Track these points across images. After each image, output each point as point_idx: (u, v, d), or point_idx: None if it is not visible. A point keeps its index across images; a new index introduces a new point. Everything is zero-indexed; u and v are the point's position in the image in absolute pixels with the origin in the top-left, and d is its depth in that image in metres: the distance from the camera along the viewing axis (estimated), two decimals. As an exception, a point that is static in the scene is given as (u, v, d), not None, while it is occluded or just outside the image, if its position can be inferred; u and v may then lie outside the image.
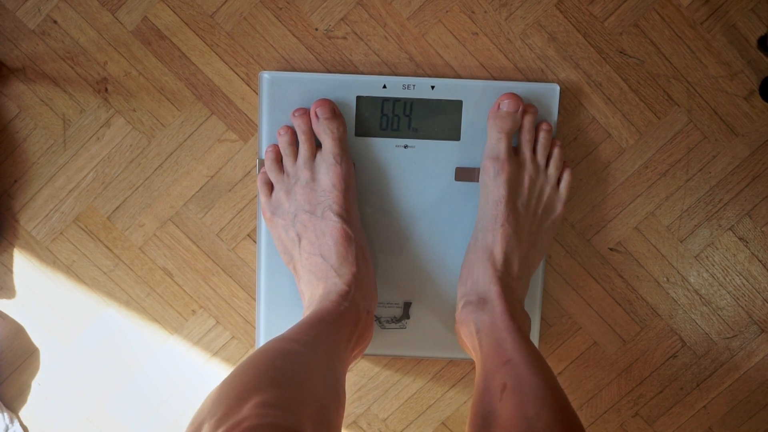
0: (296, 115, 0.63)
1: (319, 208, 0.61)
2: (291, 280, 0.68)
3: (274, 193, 0.64)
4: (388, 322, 0.69)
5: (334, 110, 0.62)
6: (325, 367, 0.51)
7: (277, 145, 0.64)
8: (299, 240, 0.62)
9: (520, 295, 0.61)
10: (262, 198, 0.64)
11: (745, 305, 0.71)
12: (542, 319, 0.70)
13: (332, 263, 0.60)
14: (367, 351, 0.69)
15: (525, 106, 0.62)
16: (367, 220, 0.67)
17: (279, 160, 0.64)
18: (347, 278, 0.59)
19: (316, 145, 0.63)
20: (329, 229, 0.60)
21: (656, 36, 0.66)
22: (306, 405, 0.45)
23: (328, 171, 0.61)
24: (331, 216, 0.60)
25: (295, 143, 0.63)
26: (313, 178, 0.62)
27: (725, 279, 0.70)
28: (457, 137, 0.66)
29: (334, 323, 0.55)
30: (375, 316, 0.68)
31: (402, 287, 0.68)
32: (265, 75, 0.65)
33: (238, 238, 0.70)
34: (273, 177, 0.64)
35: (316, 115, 0.62)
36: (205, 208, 0.69)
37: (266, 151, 0.64)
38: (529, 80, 0.67)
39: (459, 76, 0.67)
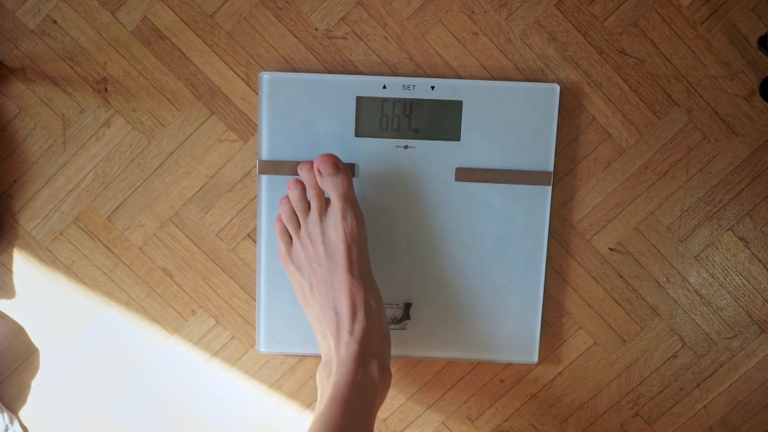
0: (303, 169, 0.64)
1: (330, 263, 0.62)
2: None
3: (293, 243, 0.65)
4: (388, 322, 0.69)
5: (336, 165, 0.62)
6: None
7: (287, 202, 0.65)
8: (312, 290, 0.63)
9: None
10: (281, 246, 0.65)
11: (746, 305, 0.71)
12: (542, 319, 0.70)
13: (343, 320, 0.61)
14: (367, 351, 0.69)
15: None
16: (366, 221, 0.67)
17: (294, 212, 0.65)
18: (358, 336, 0.61)
19: (326, 198, 0.64)
20: (339, 283, 0.62)
21: (656, 36, 0.66)
22: None
23: (336, 227, 0.62)
24: (342, 271, 0.61)
25: (305, 198, 0.64)
26: (323, 232, 0.63)
27: (725, 279, 0.70)
28: (457, 137, 0.66)
29: (358, 398, 0.58)
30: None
31: (402, 288, 0.68)
32: (265, 75, 0.65)
33: (238, 238, 0.70)
34: (290, 229, 0.65)
35: (319, 172, 0.62)
36: (205, 208, 0.69)
37: (281, 204, 0.65)
38: (529, 80, 0.67)
39: (459, 76, 0.67)
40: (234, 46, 0.67)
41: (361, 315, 0.61)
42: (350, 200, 0.62)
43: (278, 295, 0.68)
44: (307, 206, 0.63)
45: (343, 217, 0.62)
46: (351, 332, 0.61)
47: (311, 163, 0.63)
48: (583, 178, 0.69)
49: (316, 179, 0.63)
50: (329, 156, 0.62)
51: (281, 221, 0.65)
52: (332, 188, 0.62)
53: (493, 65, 0.67)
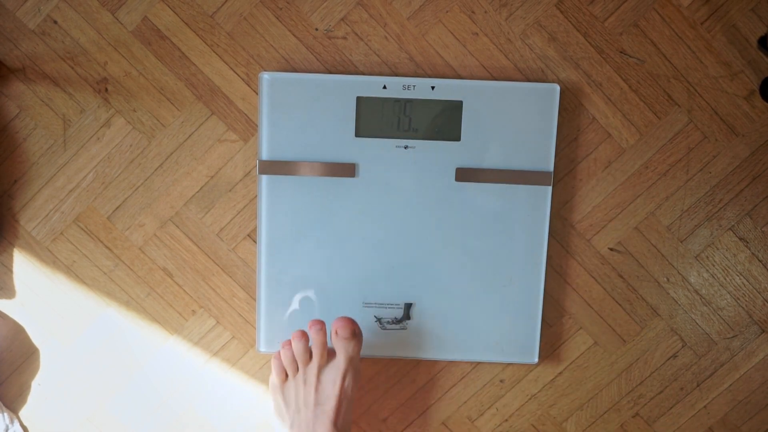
0: (313, 330, 0.65)
1: (318, 410, 0.65)
2: (291, 280, 0.68)
3: (287, 381, 0.67)
4: (388, 323, 0.69)
5: (354, 331, 0.65)
6: None
7: (291, 346, 0.66)
8: (293, 428, 0.66)
9: None
10: (276, 378, 0.67)
11: (746, 305, 0.71)
12: (542, 319, 0.70)
13: None
14: (368, 352, 0.69)
15: None
16: (366, 221, 0.67)
17: (294, 359, 0.67)
18: None
19: (328, 353, 0.66)
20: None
21: (656, 36, 0.66)
22: None
23: (334, 381, 0.65)
24: (327, 422, 0.64)
25: (308, 349, 0.66)
26: (320, 381, 0.65)
27: (725, 279, 0.70)
28: (457, 137, 0.66)
29: None
30: (376, 317, 0.68)
31: (403, 288, 0.68)
32: (265, 75, 0.65)
33: (238, 238, 0.70)
34: (288, 371, 0.67)
35: (336, 332, 0.65)
36: (205, 208, 0.69)
37: (283, 346, 0.67)
38: (529, 80, 0.67)
39: (459, 76, 0.67)
40: (234, 46, 0.67)
41: None
42: (355, 363, 0.66)
43: (278, 295, 0.68)
44: (309, 357, 0.66)
45: (343, 376, 0.65)
46: None
47: (322, 323, 0.65)
48: (583, 178, 0.69)
49: (325, 339, 0.65)
50: (348, 320, 0.65)
51: (280, 360, 0.67)
52: (343, 350, 0.65)
53: (493, 65, 0.67)
